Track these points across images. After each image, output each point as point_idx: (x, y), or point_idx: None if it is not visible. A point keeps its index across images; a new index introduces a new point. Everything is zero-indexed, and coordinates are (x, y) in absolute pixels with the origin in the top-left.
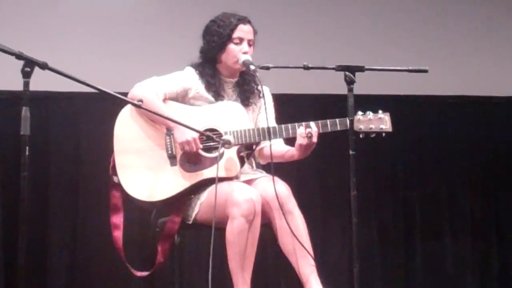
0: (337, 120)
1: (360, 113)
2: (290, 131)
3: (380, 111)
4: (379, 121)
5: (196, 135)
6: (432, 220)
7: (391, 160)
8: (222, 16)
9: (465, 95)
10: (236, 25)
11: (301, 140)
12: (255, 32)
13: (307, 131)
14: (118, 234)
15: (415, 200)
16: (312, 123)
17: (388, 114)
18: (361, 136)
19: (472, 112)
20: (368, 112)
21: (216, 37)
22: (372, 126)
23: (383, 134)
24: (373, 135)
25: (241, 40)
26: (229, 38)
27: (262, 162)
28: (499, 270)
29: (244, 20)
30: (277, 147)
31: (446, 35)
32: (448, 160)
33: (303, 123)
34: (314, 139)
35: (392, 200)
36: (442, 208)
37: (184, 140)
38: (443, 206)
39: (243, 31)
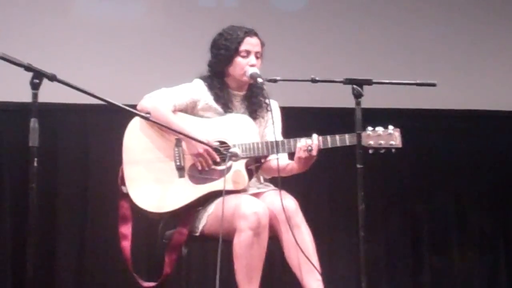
0: (347, 135)
1: (369, 128)
2: (292, 145)
3: (390, 127)
4: (389, 137)
5: (208, 148)
6: (440, 234)
7: (399, 174)
8: (229, 29)
9: (474, 109)
10: (243, 38)
11: (300, 153)
12: (262, 44)
13: (307, 145)
14: (126, 244)
15: (422, 214)
16: (314, 136)
17: (398, 130)
18: (370, 151)
19: (480, 126)
20: (378, 128)
21: (223, 50)
22: (382, 141)
23: (393, 150)
24: (382, 151)
25: (248, 53)
26: (236, 51)
27: (266, 175)
28: (507, 285)
29: (251, 32)
30: (281, 161)
31: (455, 49)
32: (456, 174)
33: (305, 137)
34: (314, 153)
35: (400, 214)
36: (450, 222)
37: (196, 153)
38: (451, 220)
39: (250, 43)
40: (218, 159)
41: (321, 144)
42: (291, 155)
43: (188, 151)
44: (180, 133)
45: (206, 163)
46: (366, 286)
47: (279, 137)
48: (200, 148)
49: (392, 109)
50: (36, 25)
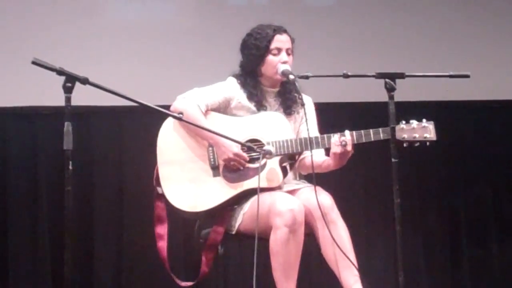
0: (380, 129)
1: (403, 122)
2: (326, 141)
3: (424, 120)
4: (423, 130)
5: (236, 150)
6: (478, 226)
7: (435, 166)
8: (258, 28)
9: (509, 99)
10: (273, 36)
11: (335, 149)
12: (292, 41)
13: (341, 140)
14: (162, 245)
15: (460, 207)
16: (347, 132)
17: (432, 123)
18: (404, 145)
19: None
20: (411, 121)
21: (254, 50)
22: (416, 135)
23: (427, 143)
24: (417, 144)
25: (279, 50)
26: (267, 50)
27: (303, 172)
28: None
29: (280, 30)
30: (317, 158)
31: (487, 39)
32: (492, 165)
33: (339, 133)
34: (349, 148)
35: (437, 207)
36: (488, 214)
37: (226, 158)
38: (488, 212)
39: (280, 41)
40: (248, 159)
41: (355, 139)
42: (329, 151)
43: (219, 157)
44: (210, 134)
45: (238, 165)
46: (404, 281)
47: (315, 133)
48: (230, 153)
49: (426, 102)
50: (68, 29)
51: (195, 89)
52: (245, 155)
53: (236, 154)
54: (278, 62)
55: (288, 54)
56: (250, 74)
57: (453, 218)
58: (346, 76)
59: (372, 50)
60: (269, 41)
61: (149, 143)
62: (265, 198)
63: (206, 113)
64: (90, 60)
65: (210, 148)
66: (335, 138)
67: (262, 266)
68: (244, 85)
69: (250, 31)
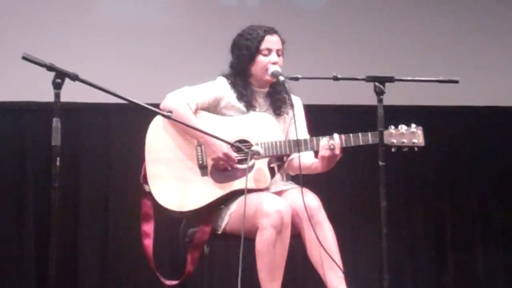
0: (369, 133)
1: (392, 127)
2: (315, 143)
3: (413, 125)
4: (412, 135)
5: (226, 149)
6: (464, 231)
7: (422, 171)
8: (249, 29)
9: (496, 105)
10: (263, 37)
11: (323, 152)
12: (283, 42)
13: (330, 143)
14: (148, 243)
15: (446, 211)
16: (335, 135)
17: (421, 128)
18: (393, 150)
19: (503, 122)
20: (400, 126)
21: (245, 50)
22: (405, 140)
23: (415, 149)
24: (405, 149)
25: (269, 51)
26: (257, 50)
27: (291, 173)
28: None
29: (270, 31)
30: (306, 159)
31: (477, 45)
32: (479, 170)
33: (328, 136)
34: (337, 151)
35: (423, 211)
36: (474, 218)
37: (216, 157)
38: (474, 216)
39: (270, 41)
40: (236, 161)
41: (344, 143)
42: (317, 153)
43: (208, 155)
44: (199, 133)
45: (227, 165)
46: (389, 284)
47: (304, 134)
48: (219, 152)
49: (414, 106)
50: (57, 25)
51: (185, 88)
52: (234, 155)
53: (225, 154)
54: (268, 63)
55: (279, 55)
56: (240, 74)
57: (439, 221)
58: (336, 78)
59: (362, 52)
60: (260, 42)
61: (137, 140)
62: (253, 199)
63: (195, 112)
64: (79, 56)
65: (199, 148)
66: (324, 141)
67: (247, 266)
68: (234, 85)
69: (241, 31)
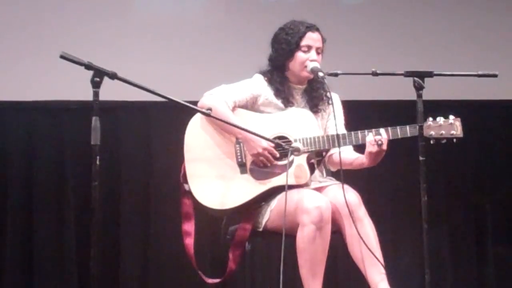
0: (408, 126)
1: (430, 119)
2: (360, 138)
3: (451, 116)
4: (450, 127)
5: (266, 145)
6: (504, 225)
7: (462, 165)
8: (291, 24)
9: None
10: (305, 33)
11: (370, 148)
12: (323, 40)
13: (377, 139)
14: (189, 241)
15: (486, 205)
16: (382, 130)
17: (459, 119)
18: (431, 142)
19: None
20: (438, 118)
21: (285, 45)
22: (443, 132)
23: (454, 140)
24: (443, 141)
25: (309, 47)
26: (297, 46)
27: (332, 169)
28: None
29: (312, 28)
30: (346, 154)
31: None
32: None
33: (373, 130)
34: (384, 147)
35: (463, 206)
36: None
37: (255, 153)
38: None
39: (311, 38)
40: (278, 156)
41: (390, 136)
42: (358, 148)
43: (248, 152)
44: (238, 130)
45: (267, 161)
46: (430, 279)
47: (342, 130)
48: (259, 148)
49: (454, 101)
50: (96, 24)
51: (222, 86)
52: (275, 151)
53: (265, 149)
54: (306, 60)
55: (318, 53)
56: (278, 69)
57: (480, 216)
58: (375, 74)
59: (401, 48)
60: (301, 38)
61: (177, 139)
62: (293, 195)
63: (233, 109)
64: (118, 55)
65: (238, 145)
66: (370, 137)
67: (289, 263)
68: (271, 81)
69: (283, 25)
